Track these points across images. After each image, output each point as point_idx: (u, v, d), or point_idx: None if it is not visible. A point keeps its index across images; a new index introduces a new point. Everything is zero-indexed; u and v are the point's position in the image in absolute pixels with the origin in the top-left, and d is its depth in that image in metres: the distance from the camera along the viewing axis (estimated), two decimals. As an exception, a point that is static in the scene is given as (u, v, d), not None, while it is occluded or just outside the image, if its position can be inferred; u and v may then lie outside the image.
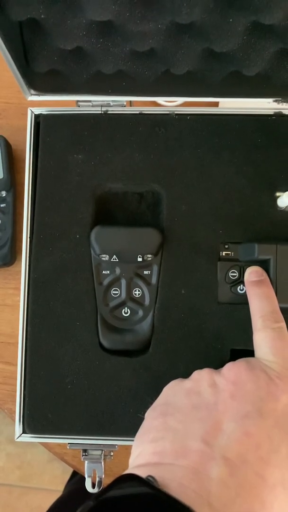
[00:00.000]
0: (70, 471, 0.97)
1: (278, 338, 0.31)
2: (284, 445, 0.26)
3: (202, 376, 0.30)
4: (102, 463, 0.39)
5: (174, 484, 0.23)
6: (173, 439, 0.27)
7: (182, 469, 0.24)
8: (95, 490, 0.39)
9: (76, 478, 0.80)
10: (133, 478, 0.24)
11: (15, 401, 0.52)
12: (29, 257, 0.39)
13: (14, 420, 0.41)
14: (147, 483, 0.23)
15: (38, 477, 1.26)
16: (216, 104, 0.46)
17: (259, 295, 0.34)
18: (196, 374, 0.31)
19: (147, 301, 0.39)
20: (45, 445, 0.50)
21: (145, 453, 0.27)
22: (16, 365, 0.52)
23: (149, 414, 0.30)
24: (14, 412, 0.41)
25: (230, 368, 0.29)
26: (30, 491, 1.25)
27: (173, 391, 0.31)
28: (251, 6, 0.31)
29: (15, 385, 0.52)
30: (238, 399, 0.27)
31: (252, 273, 0.36)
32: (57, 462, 1.23)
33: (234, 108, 0.41)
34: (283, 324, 0.32)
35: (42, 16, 0.32)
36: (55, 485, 1.23)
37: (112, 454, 0.40)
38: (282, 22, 0.32)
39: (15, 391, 0.52)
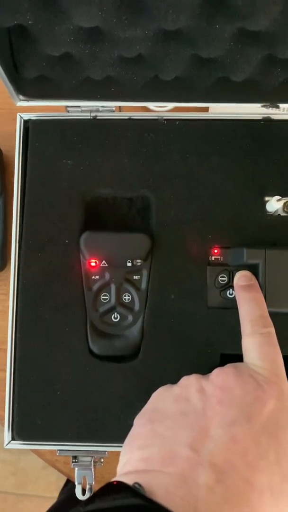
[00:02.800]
0: (64, 477, 0.96)
1: (266, 343, 0.31)
2: (271, 450, 0.26)
3: (190, 382, 0.30)
4: (92, 469, 0.38)
5: (161, 491, 0.23)
6: (160, 446, 0.26)
7: (169, 476, 0.24)
8: (86, 497, 0.39)
9: (71, 485, 0.80)
10: (119, 485, 0.24)
11: (4, 408, 0.51)
12: (18, 262, 0.39)
13: (4, 427, 0.41)
14: (134, 490, 0.23)
15: (33, 484, 1.25)
16: (206, 110, 0.47)
17: (248, 299, 0.34)
18: (184, 380, 0.31)
19: (136, 306, 0.39)
20: (36, 452, 0.50)
21: (132, 460, 0.27)
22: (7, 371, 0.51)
23: (137, 421, 0.30)
24: (4, 419, 0.41)
25: (218, 374, 0.29)
26: (25, 498, 1.24)
27: (162, 398, 0.31)
28: (237, 13, 0.31)
29: (5, 391, 0.51)
30: (225, 405, 0.27)
31: (241, 278, 0.36)
32: (51, 469, 1.21)
33: (223, 113, 0.41)
34: (272, 329, 0.32)
35: (29, 22, 0.33)
36: (50, 492, 1.22)
37: (102, 460, 0.40)
38: (268, 28, 0.32)
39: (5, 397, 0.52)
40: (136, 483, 0.24)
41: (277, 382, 0.28)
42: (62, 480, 0.96)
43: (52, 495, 1.19)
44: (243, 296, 0.34)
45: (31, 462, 1.25)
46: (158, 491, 0.23)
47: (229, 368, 0.30)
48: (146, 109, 0.50)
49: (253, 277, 0.36)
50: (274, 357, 0.30)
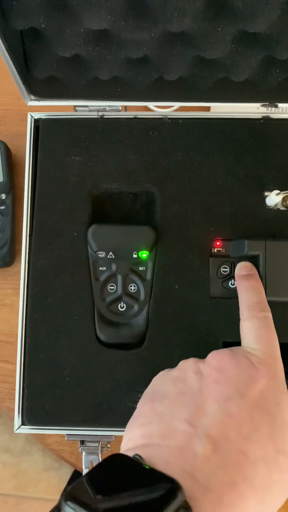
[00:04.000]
0: (66, 479, 0.97)
1: (263, 326, 0.32)
2: (265, 424, 0.27)
3: (187, 365, 0.32)
4: (100, 454, 0.39)
5: (161, 462, 0.25)
6: (159, 423, 0.28)
7: (168, 448, 0.26)
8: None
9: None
10: (121, 457, 0.25)
11: (13, 399, 0.53)
12: (28, 254, 0.41)
13: (11, 418, 0.42)
14: (134, 460, 0.24)
15: (34, 486, 1.25)
16: (207, 109, 0.49)
17: (247, 287, 0.35)
18: (182, 363, 0.32)
19: (142, 296, 0.40)
20: (42, 441, 0.51)
21: (134, 437, 0.28)
22: (15, 363, 0.53)
23: (139, 403, 0.32)
24: (12, 410, 0.42)
25: (214, 356, 0.31)
26: (26, 501, 1.24)
27: (161, 380, 0.32)
28: (238, 16, 0.33)
29: (13, 383, 0.53)
30: (220, 384, 0.29)
31: (242, 268, 0.37)
32: (53, 471, 1.22)
33: (224, 112, 0.43)
34: (269, 313, 0.33)
35: (42, 26, 0.34)
36: (51, 494, 1.22)
37: (109, 446, 0.41)
38: (267, 31, 0.34)
39: (13, 389, 0.53)
40: (136, 454, 0.25)
41: (270, 363, 0.30)
42: (64, 482, 0.97)
43: (53, 497, 1.19)
44: (242, 284, 0.36)
45: (32, 464, 1.25)
46: (158, 461, 0.25)
47: (224, 351, 0.31)
48: (149, 109, 0.52)
49: (253, 268, 0.37)
50: (269, 340, 0.31)
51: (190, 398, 0.29)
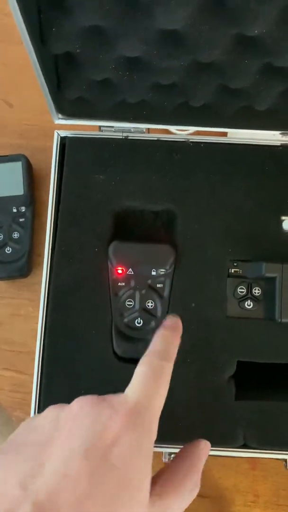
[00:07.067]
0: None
1: (151, 375, 0.29)
2: (110, 482, 0.23)
3: (49, 412, 0.28)
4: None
5: None
6: None
7: None
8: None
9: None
10: None
11: (23, 409, 0.53)
12: (50, 267, 0.42)
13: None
14: None
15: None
16: (224, 134, 0.50)
17: (161, 335, 0.32)
18: (46, 409, 0.29)
19: (159, 313, 0.41)
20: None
21: None
22: (27, 373, 0.54)
23: None
24: (22, 420, 0.42)
25: (77, 401, 0.27)
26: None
27: (22, 428, 0.28)
28: (265, 50, 0.34)
29: (25, 393, 0.53)
30: (70, 436, 0.25)
31: (168, 319, 0.35)
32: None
33: (241, 138, 0.45)
34: (168, 364, 0.30)
35: (77, 51, 0.36)
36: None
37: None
38: (292, 65, 0.36)
39: (25, 399, 0.54)
40: None
41: (139, 413, 0.26)
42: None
43: None
44: (161, 332, 0.33)
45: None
46: None
47: (92, 396, 0.27)
48: (168, 131, 0.54)
49: (179, 323, 0.35)
50: (151, 390, 0.28)
51: (33, 453, 0.25)
